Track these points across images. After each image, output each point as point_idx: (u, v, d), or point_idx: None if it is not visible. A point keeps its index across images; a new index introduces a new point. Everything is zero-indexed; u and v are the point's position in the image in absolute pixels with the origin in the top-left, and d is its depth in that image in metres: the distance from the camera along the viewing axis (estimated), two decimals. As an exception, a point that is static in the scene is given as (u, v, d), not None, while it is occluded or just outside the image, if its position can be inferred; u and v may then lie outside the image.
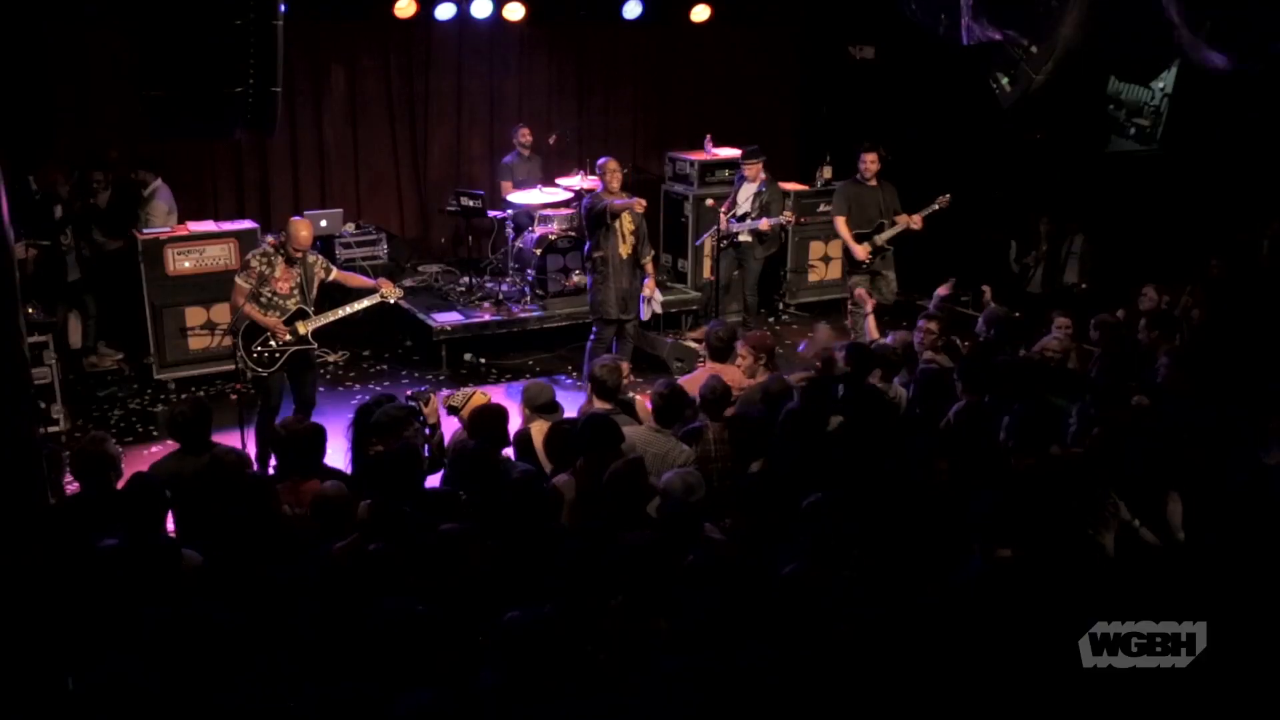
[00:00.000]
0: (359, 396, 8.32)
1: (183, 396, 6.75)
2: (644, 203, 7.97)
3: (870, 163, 8.55)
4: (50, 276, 8.11)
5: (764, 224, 8.98)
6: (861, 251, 8.44)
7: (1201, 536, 4.09)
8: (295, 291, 6.77)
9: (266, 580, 3.86)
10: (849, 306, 8.42)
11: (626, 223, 7.96)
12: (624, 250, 7.96)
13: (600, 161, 8.20)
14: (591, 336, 8.24)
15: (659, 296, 8.34)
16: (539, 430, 5.41)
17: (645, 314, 8.32)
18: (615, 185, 8.02)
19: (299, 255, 6.72)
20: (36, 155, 8.44)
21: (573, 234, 9.49)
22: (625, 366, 6.09)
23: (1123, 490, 4.23)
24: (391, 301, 7.16)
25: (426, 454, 5.37)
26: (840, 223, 8.63)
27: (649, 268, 8.19)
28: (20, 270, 7.31)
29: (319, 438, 4.99)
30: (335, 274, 7.00)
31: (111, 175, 8.82)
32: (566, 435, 5.05)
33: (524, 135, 10.17)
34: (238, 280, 6.72)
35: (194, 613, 3.38)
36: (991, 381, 5.45)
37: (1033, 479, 4.42)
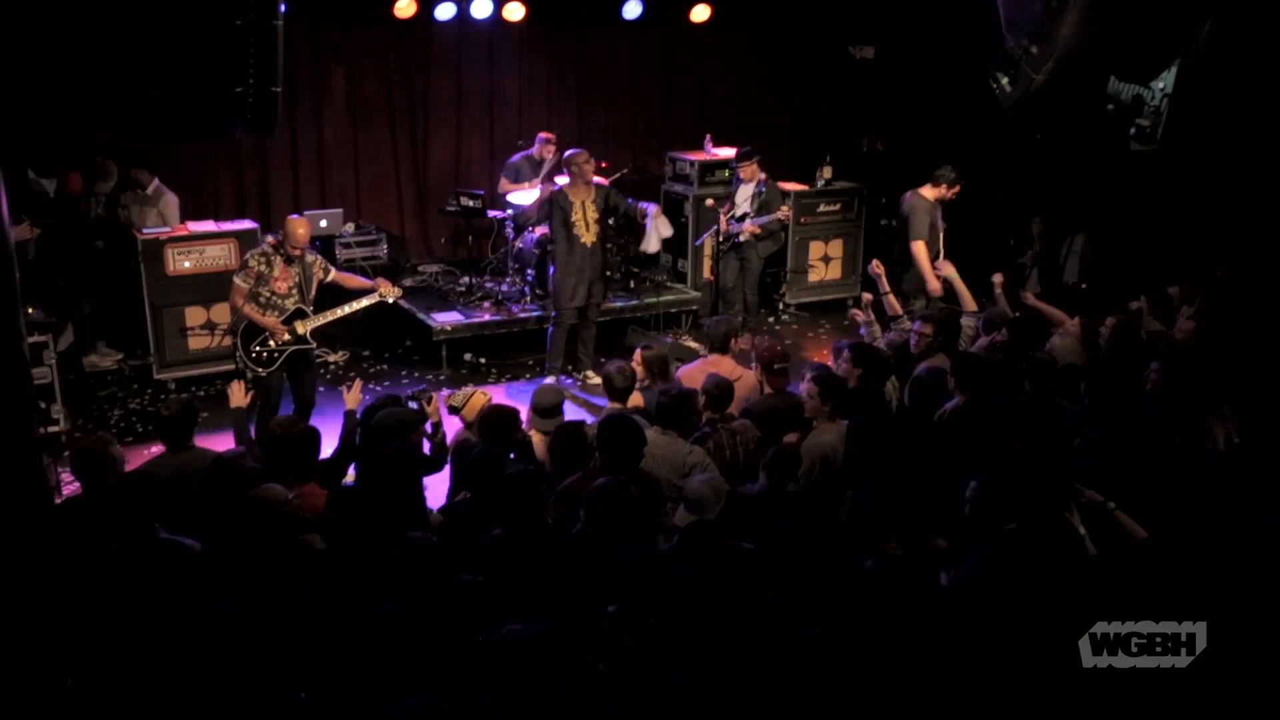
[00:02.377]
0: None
1: (168, 397, 6.74)
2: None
3: (953, 196, 8.35)
4: (54, 272, 8.11)
5: (781, 212, 9.08)
6: (936, 286, 7.93)
7: (1201, 537, 4.09)
8: (294, 291, 6.78)
9: (262, 581, 3.86)
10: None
11: (590, 211, 7.99)
12: (587, 238, 8.00)
13: (571, 152, 8.15)
14: (551, 325, 8.40)
15: (664, 223, 8.32)
16: (538, 439, 5.39)
17: (654, 244, 8.39)
18: (588, 177, 8.01)
19: (297, 254, 6.73)
20: (37, 154, 8.46)
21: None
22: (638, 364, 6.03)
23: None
24: (390, 301, 7.17)
25: (428, 453, 5.38)
26: (921, 247, 8.15)
27: (642, 209, 8.23)
28: (23, 253, 7.40)
29: (313, 440, 4.98)
30: (334, 275, 7.01)
31: (117, 165, 8.85)
32: (573, 437, 5.01)
33: (547, 150, 9.72)
34: (236, 280, 6.73)
35: (195, 611, 3.38)
36: (993, 380, 5.46)
37: (1021, 461, 4.46)
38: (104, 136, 9.10)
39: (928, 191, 8.41)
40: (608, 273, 8.83)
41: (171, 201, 8.80)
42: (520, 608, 3.47)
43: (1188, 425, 4.99)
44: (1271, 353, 6.15)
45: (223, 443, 5.75)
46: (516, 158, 10.14)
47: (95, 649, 3.38)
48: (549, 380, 8.18)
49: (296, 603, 3.64)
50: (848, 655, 3.16)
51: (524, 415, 5.42)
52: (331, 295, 7.12)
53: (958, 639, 3.34)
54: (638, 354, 5.99)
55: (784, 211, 9.23)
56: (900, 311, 7.22)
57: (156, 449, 7.05)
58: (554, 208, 8.08)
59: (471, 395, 5.57)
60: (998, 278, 7.44)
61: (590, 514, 4.09)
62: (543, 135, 10.06)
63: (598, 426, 4.87)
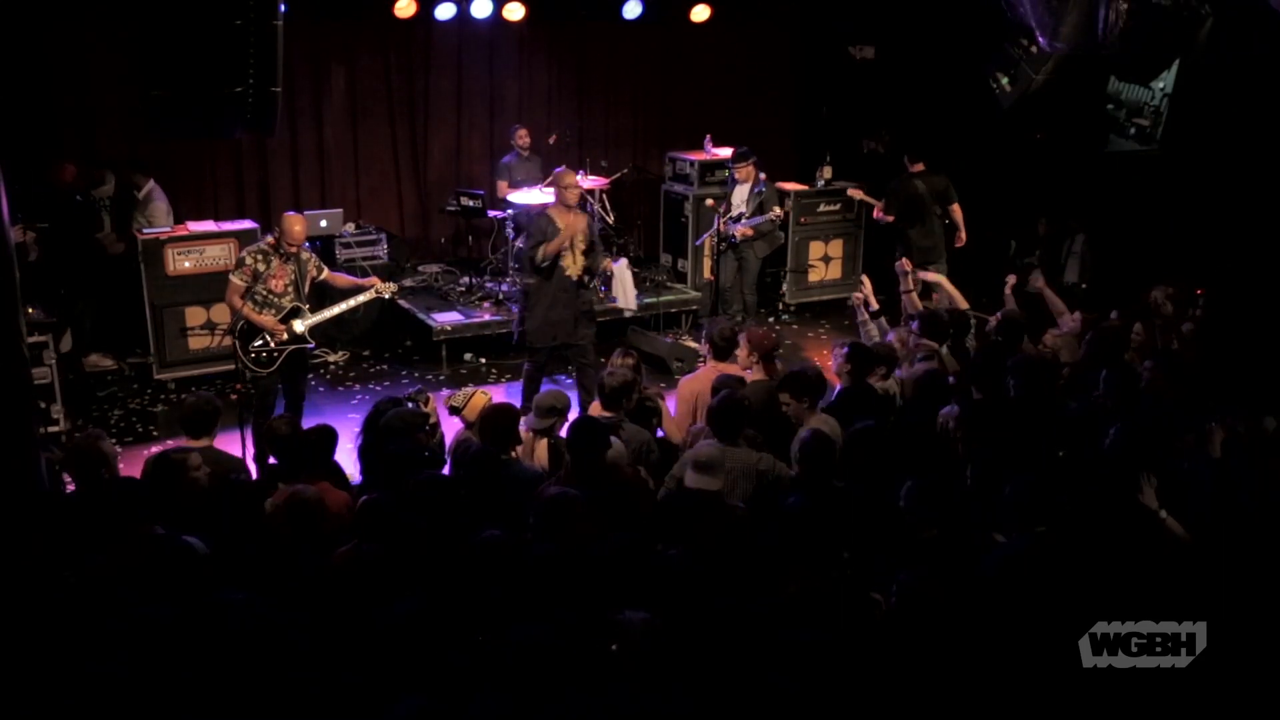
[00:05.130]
0: (359, 397, 8.33)
1: (188, 392, 6.74)
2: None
3: None
4: (55, 271, 8.11)
5: (774, 213, 9.13)
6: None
7: (1201, 536, 4.09)
8: (290, 289, 6.78)
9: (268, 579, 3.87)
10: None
11: (579, 241, 7.18)
12: (573, 270, 7.15)
13: (558, 171, 7.63)
14: (527, 368, 7.47)
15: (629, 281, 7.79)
16: (529, 438, 5.38)
17: (631, 301, 7.94)
18: (572, 200, 7.17)
19: (293, 251, 6.74)
20: (40, 154, 8.46)
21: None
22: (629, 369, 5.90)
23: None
24: (387, 297, 7.16)
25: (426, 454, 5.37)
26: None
27: (609, 266, 7.60)
28: (23, 255, 7.41)
29: (329, 439, 4.99)
30: (326, 274, 7.03)
31: (114, 173, 8.84)
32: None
33: (521, 137, 10.13)
34: (232, 278, 6.74)
35: (200, 606, 3.38)
36: (1001, 381, 5.47)
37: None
38: (104, 136, 9.12)
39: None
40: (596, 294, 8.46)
41: (159, 209, 8.75)
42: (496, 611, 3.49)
43: (1183, 425, 4.99)
44: (1272, 354, 6.14)
45: (220, 442, 5.74)
46: (507, 158, 10.21)
47: (94, 649, 3.38)
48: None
49: (311, 600, 3.65)
50: (845, 655, 3.16)
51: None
52: (331, 295, 7.12)
53: (962, 639, 3.34)
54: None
55: (777, 211, 9.24)
56: (920, 309, 7.14)
57: (157, 449, 7.07)
58: (538, 232, 7.16)
59: (472, 395, 5.55)
60: (1011, 279, 7.44)
61: (535, 523, 4.10)
62: (514, 127, 10.25)
63: (568, 431, 4.86)
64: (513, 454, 5.06)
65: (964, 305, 7.12)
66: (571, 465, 4.68)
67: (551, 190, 9.73)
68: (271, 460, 5.27)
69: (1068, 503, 4.00)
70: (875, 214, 9.69)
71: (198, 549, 4.01)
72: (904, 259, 7.57)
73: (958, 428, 4.82)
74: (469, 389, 5.67)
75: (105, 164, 8.94)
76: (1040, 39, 7.61)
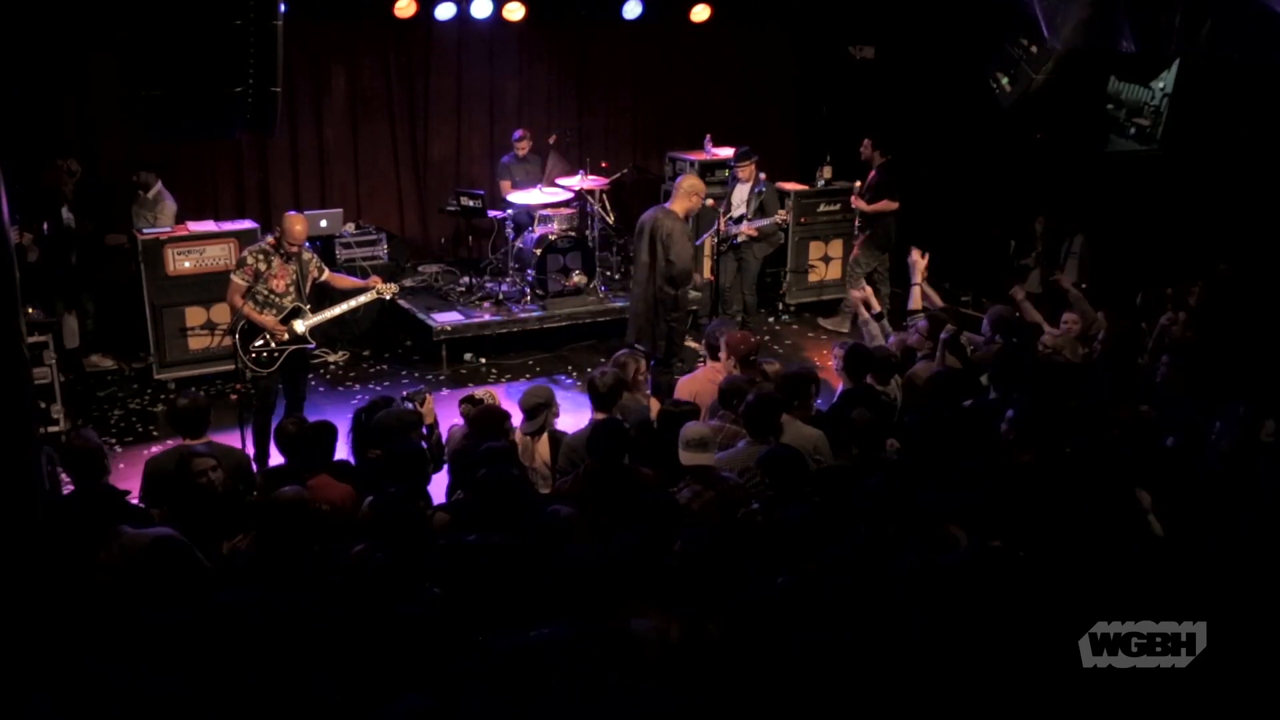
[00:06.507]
0: (359, 397, 8.33)
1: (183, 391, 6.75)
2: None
3: None
4: (50, 273, 8.10)
5: (779, 215, 9.15)
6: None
7: (1202, 537, 4.09)
8: (291, 289, 6.78)
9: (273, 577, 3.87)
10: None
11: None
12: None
13: (680, 179, 7.50)
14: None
15: None
16: (523, 440, 5.40)
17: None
18: (697, 208, 7.26)
19: (294, 250, 6.73)
20: (39, 154, 8.45)
21: (572, 234, 9.50)
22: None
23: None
24: (388, 298, 7.16)
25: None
26: None
27: None
28: (21, 257, 7.39)
29: (329, 434, 5.01)
30: (327, 274, 7.04)
31: (79, 165, 8.73)
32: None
33: (522, 147, 10.15)
34: (233, 278, 6.74)
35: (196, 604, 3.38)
36: (1018, 380, 5.47)
37: (1032, 474, 4.46)
38: (105, 136, 9.11)
39: None
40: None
41: (169, 209, 8.76)
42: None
43: (1196, 420, 4.99)
44: (1272, 349, 6.14)
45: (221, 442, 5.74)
46: (506, 159, 10.21)
47: (93, 648, 3.38)
48: None
49: (310, 598, 3.65)
50: (845, 653, 3.16)
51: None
52: (331, 295, 7.13)
53: (958, 638, 3.34)
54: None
55: (781, 215, 9.26)
56: (939, 302, 7.12)
57: (157, 449, 7.07)
58: (683, 238, 7.14)
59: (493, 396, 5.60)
60: (1018, 293, 7.40)
61: (536, 534, 4.12)
62: (517, 132, 10.25)
63: (589, 435, 4.88)
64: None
65: (940, 304, 7.13)
66: (592, 468, 4.70)
67: (551, 189, 9.81)
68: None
69: (1063, 504, 4.00)
70: (854, 201, 9.69)
71: (182, 541, 4.02)
72: (914, 249, 7.49)
73: (1011, 430, 4.80)
74: (487, 391, 5.69)
75: (71, 154, 8.68)
76: (1045, 32, 7.61)
